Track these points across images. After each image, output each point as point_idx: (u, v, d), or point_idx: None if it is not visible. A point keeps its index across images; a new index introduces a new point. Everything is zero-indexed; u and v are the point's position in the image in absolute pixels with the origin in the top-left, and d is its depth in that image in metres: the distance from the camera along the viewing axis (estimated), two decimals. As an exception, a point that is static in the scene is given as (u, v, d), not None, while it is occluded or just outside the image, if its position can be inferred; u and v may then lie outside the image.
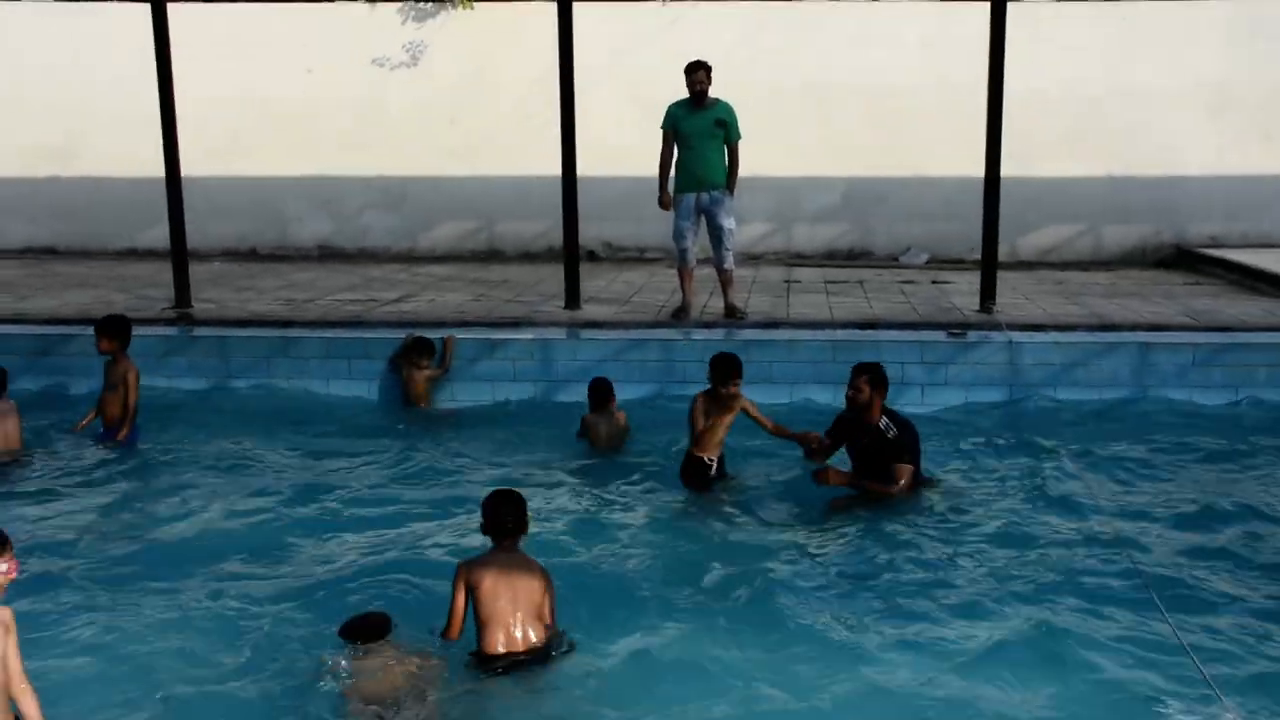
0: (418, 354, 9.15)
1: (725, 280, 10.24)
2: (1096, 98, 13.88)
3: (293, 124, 14.40)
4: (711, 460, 7.32)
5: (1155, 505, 7.00)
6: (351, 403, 9.31)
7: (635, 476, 7.64)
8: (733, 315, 10.11)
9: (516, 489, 5.39)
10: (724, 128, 9.89)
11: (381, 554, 6.29)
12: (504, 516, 5.17)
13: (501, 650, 4.90)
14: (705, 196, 9.96)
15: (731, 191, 10.04)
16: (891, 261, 14.22)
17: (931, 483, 7.30)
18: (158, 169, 10.64)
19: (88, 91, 14.48)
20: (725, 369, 7.23)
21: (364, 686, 4.71)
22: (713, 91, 10.02)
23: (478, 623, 4.96)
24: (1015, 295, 11.24)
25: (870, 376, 7.14)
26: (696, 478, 7.31)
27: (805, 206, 14.50)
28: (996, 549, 6.34)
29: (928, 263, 14.07)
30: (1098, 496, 7.03)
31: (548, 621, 5.07)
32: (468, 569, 5.04)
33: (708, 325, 9.93)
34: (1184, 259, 13.89)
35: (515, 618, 4.95)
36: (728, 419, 7.28)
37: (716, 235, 10.07)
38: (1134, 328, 9.72)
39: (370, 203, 14.89)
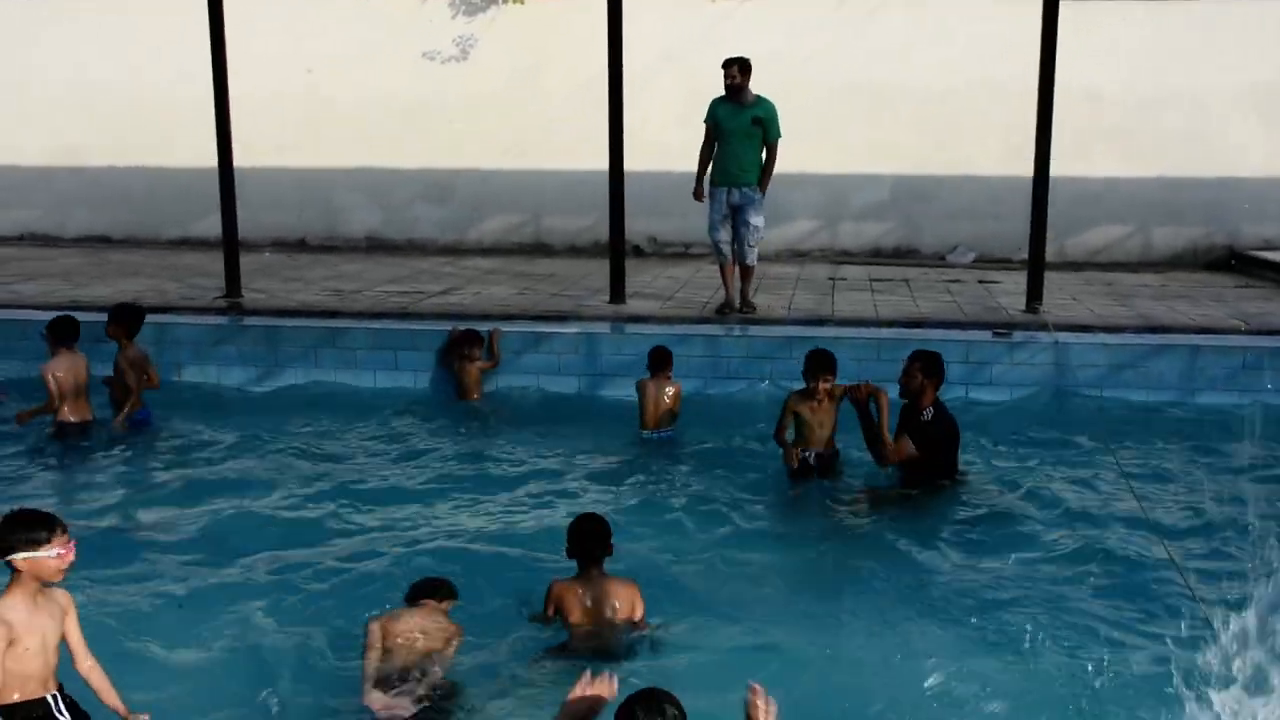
0: (468, 346, 9.23)
1: (744, 273, 10.32)
2: (1148, 97, 13.73)
3: (344, 116, 14.54)
4: (807, 453, 7.32)
5: (1202, 511, 6.93)
6: (397, 393, 9.38)
7: (681, 469, 7.72)
8: (743, 307, 10.21)
9: (599, 513, 5.43)
10: (761, 126, 9.91)
11: (430, 543, 6.36)
12: (589, 542, 5.18)
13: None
14: (736, 193, 10.02)
15: (763, 190, 10.07)
16: (938, 260, 14.15)
17: (963, 480, 7.26)
18: (211, 160, 10.80)
19: (144, 83, 14.70)
20: (814, 365, 7.23)
21: (390, 649, 4.81)
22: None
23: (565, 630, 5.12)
24: (1062, 296, 11.16)
25: (924, 364, 7.13)
26: (796, 471, 7.34)
27: (852, 204, 14.46)
28: (1035, 551, 6.32)
29: (974, 262, 13.98)
30: (1142, 500, 6.97)
31: (637, 620, 5.14)
32: (559, 592, 5.15)
33: (753, 321, 9.95)
34: (1236, 261, 13.72)
35: (597, 643, 5.02)
36: (821, 415, 7.28)
37: (741, 231, 10.12)
38: (1183, 330, 9.63)
39: (419, 195, 15.01)
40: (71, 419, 8.11)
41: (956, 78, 13.76)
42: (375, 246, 15.01)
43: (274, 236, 14.89)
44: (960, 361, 9.06)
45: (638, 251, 14.04)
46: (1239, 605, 5.42)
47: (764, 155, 10.06)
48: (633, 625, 5.14)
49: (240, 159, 10.87)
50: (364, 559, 6.16)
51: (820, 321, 9.92)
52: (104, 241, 15.30)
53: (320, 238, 15.19)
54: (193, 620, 5.43)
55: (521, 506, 7.01)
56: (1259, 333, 9.53)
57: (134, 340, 8.50)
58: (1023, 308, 10.33)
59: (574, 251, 14.55)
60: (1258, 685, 4.65)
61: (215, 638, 5.27)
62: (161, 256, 14.02)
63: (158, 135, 14.65)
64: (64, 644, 4.19)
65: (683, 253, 14.41)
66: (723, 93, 10.03)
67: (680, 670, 4.91)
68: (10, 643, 3.96)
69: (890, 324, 9.81)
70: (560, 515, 6.71)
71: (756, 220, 10.10)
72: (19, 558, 3.97)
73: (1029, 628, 5.34)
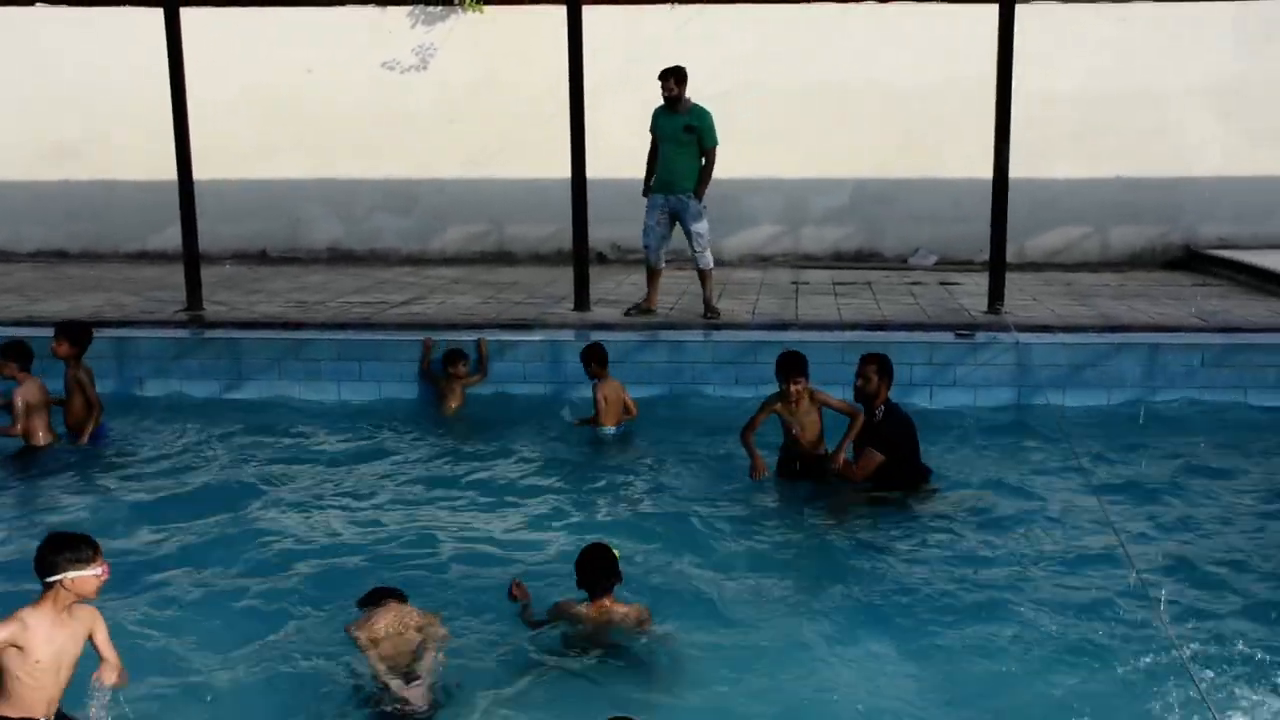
0: (454, 364, 9.16)
1: (702, 278, 10.40)
2: (1107, 99, 13.88)
3: (304, 126, 14.46)
4: (794, 454, 7.42)
5: (1159, 507, 7.00)
6: (362, 404, 9.35)
7: (656, 475, 7.73)
8: (708, 312, 10.25)
9: (605, 542, 5.40)
10: (693, 133, 9.97)
11: (406, 554, 6.34)
12: (599, 573, 5.18)
13: None
14: (673, 200, 10.12)
15: (699, 197, 10.13)
16: (900, 263, 14.24)
17: (928, 480, 7.31)
18: (170, 172, 10.70)
19: (101, 94, 14.55)
20: (784, 368, 7.29)
21: (382, 646, 4.88)
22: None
23: None
24: (1023, 296, 11.25)
25: (878, 365, 7.20)
26: (784, 471, 7.47)
27: (814, 208, 14.52)
28: (995, 551, 6.36)
29: (936, 264, 14.08)
30: (1102, 498, 7.02)
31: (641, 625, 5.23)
32: (563, 610, 5.25)
33: (717, 326, 9.97)
34: (1193, 260, 13.88)
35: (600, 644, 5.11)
36: (800, 417, 7.31)
37: (688, 238, 10.29)
38: (1142, 329, 9.73)
39: (381, 205, 14.94)
40: (43, 443, 8.11)
41: (917, 81, 13.85)
42: (337, 258, 14.93)
43: (234, 249, 14.78)
44: (924, 363, 9.14)
45: (601, 259, 14.04)
46: (1197, 616, 5.51)
47: (701, 162, 10.11)
48: (638, 628, 5.21)
49: (199, 171, 10.77)
50: (343, 568, 6.12)
51: (784, 325, 9.95)
52: (60, 256, 15.12)
53: (281, 249, 15.09)
54: (171, 636, 5.37)
55: (498, 514, 7.00)
56: (1218, 330, 9.64)
57: (82, 359, 8.41)
58: (984, 309, 10.41)
59: (537, 260, 14.52)
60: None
61: (197, 652, 5.22)
62: (119, 270, 13.88)
63: (114, 147, 14.51)
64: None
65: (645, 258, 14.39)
66: (690, 100, 10.11)
67: (677, 667, 5.02)
68: (21, 649, 4.09)
69: (854, 327, 9.86)
70: (541, 521, 6.79)
71: (698, 227, 10.17)
72: (68, 577, 4.14)
73: (996, 634, 5.37)
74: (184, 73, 10.48)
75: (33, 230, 15.25)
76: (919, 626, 5.49)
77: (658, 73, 10.08)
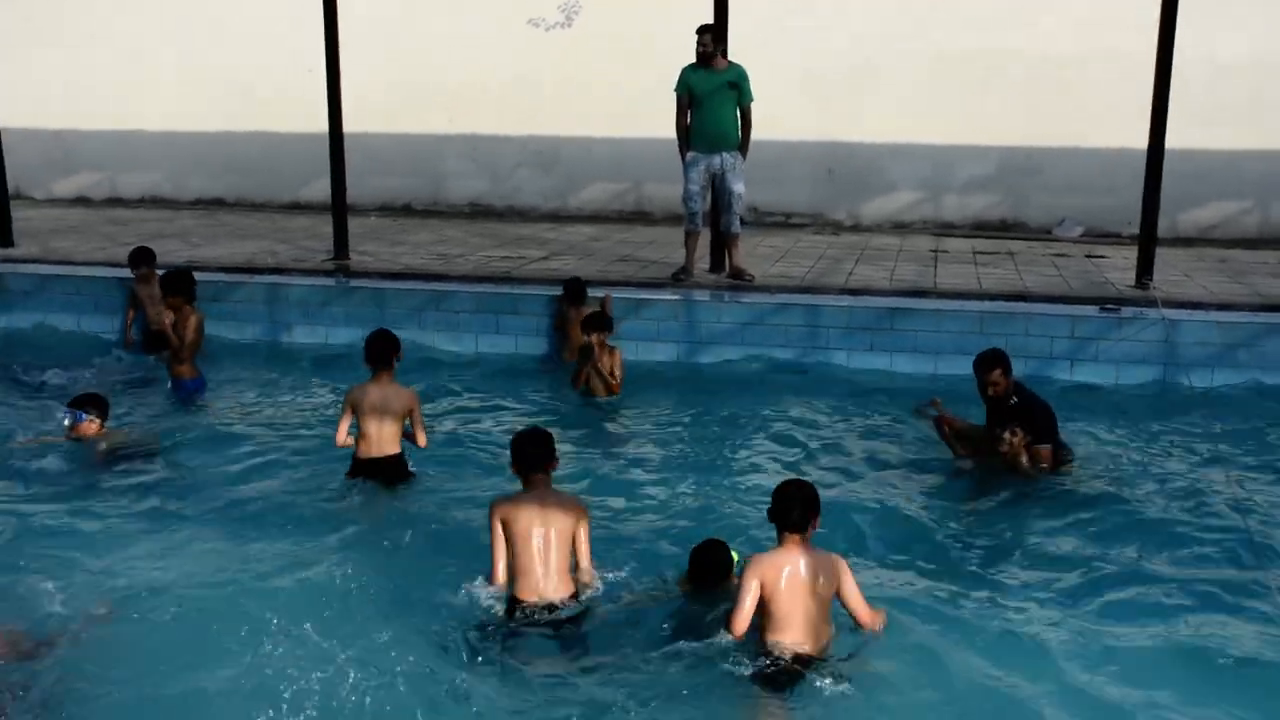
0: (575, 298, 9.30)
1: (731, 243, 10.27)
2: (1272, 67, 13.26)
3: (450, 84, 14.72)
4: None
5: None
6: (499, 357, 9.55)
7: (783, 441, 7.69)
8: (739, 277, 10.14)
9: (543, 428, 5.53)
10: (736, 89, 9.84)
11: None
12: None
13: (534, 599, 4.99)
14: (718, 160, 9.95)
15: (745, 155, 9.99)
16: (1044, 234, 13.89)
17: (1068, 459, 7.13)
18: (321, 125, 11.01)
19: (258, 50, 15.03)
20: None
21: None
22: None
23: (512, 568, 5.07)
24: (1174, 272, 10.87)
25: (1004, 367, 7.01)
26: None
27: (957, 175, 14.24)
28: (1133, 536, 6.13)
29: (1082, 236, 13.70)
30: (1248, 490, 6.78)
31: (583, 558, 5.16)
32: (499, 507, 5.13)
33: (853, 292, 9.86)
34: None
35: (548, 563, 5.03)
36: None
37: (726, 200, 10.08)
38: (1302, 309, 9.34)
39: (524, 162, 15.15)
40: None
41: (1068, 46, 13.43)
42: (478, 212, 15.20)
43: (381, 201, 15.18)
44: (1065, 336, 8.94)
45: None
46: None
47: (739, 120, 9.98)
48: (575, 570, 5.21)
49: (349, 125, 11.07)
50: (472, 520, 6.28)
51: (922, 293, 9.82)
52: (219, 204, 15.74)
53: (425, 203, 15.44)
54: (305, 566, 5.58)
55: (624, 472, 7.08)
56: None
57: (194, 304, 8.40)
58: (1132, 283, 10.09)
59: (674, 219, 14.50)
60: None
61: (328, 586, 5.37)
62: (272, 219, 14.38)
63: (270, 102, 14.99)
64: None
65: (783, 222, 14.35)
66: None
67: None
68: None
69: (994, 297, 9.67)
70: (668, 484, 6.84)
71: (739, 187, 10.06)
72: None
73: (1103, 625, 5.21)
74: (337, 29, 10.73)
75: (194, 180, 15.91)
76: (1052, 607, 5.39)
77: (698, 28, 9.91)
